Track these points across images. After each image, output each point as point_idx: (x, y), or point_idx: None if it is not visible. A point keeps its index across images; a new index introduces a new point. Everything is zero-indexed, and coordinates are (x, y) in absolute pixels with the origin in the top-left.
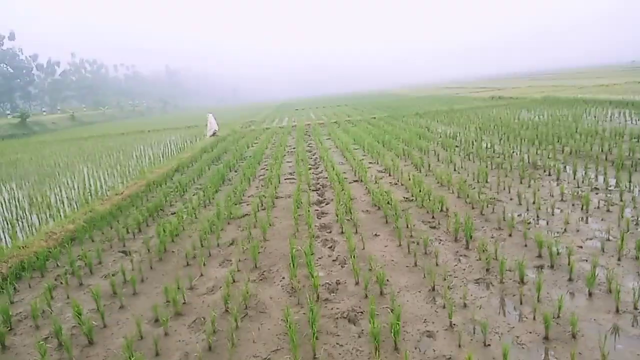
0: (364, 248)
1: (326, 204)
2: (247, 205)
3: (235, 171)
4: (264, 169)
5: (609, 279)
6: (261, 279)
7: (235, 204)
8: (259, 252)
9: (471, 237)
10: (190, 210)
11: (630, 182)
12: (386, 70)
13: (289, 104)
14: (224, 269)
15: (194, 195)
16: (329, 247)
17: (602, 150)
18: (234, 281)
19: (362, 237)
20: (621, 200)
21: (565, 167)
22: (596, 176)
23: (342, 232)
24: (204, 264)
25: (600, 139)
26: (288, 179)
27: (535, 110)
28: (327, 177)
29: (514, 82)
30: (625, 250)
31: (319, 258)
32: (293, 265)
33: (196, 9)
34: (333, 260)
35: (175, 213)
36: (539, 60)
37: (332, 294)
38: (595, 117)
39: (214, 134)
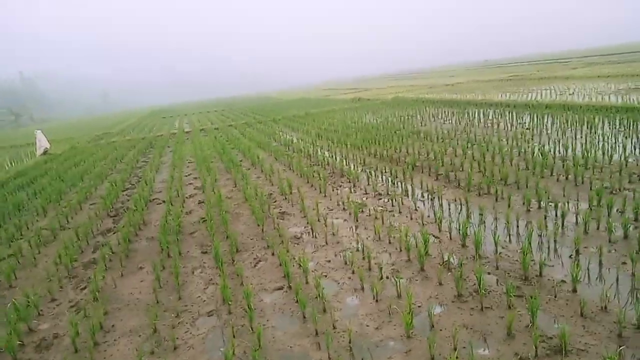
0: (115, 287)
1: (114, 233)
2: (25, 241)
3: (36, 196)
4: (76, 192)
5: (326, 298)
6: None
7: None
8: None
9: (233, 260)
10: None
11: (412, 185)
12: (277, 72)
13: (162, 111)
14: None
15: None
16: (81, 289)
17: (407, 153)
18: None
19: (121, 273)
20: (392, 206)
21: (370, 172)
22: (389, 180)
23: (105, 268)
24: None
25: (412, 141)
26: (94, 203)
27: (379, 112)
28: (139, 200)
29: (382, 82)
30: (362, 262)
31: (58, 304)
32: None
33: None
34: (72, 306)
35: None
36: (421, 59)
37: (42, 352)
38: (422, 117)
39: (44, 152)
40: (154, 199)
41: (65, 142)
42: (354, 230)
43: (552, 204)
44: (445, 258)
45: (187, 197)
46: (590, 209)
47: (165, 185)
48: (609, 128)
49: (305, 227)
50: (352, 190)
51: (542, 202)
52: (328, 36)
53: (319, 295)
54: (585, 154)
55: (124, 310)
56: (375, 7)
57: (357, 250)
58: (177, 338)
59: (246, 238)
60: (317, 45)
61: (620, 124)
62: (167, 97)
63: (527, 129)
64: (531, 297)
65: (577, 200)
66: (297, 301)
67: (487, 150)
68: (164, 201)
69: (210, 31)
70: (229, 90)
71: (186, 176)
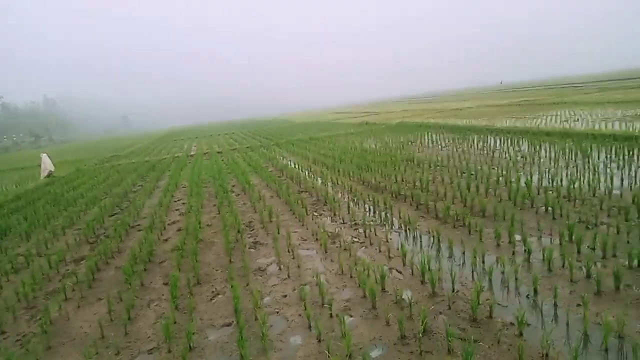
0: (68, 319)
1: (87, 261)
2: None
3: (27, 220)
4: (66, 217)
5: (270, 337)
6: None
7: None
8: None
9: (191, 293)
10: None
11: (391, 215)
12: (296, 96)
13: (176, 134)
14: None
15: None
16: (34, 321)
17: (395, 181)
18: None
19: (78, 305)
20: (365, 237)
21: (354, 201)
22: (371, 209)
23: (65, 299)
24: None
25: (404, 168)
26: (79, 229)
27: (381, 137)
28: (120, 226)
29: (396, 106)
30: (317, 298)
31: (6, 337)
32: None
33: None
34: (17, 340)
35: None
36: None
37: None
38: (421, 143)
39: (48, 175)
40: (136, 225)
41: (75, 164)
42: (320, 263)
43: (521, 239)
44: (400, 296)
45: (168, 224)
46: (561, 245)
47: (152, 211)
48: (605, 157)
49: (273, 259)
50: (332, 220)
51: (513, 237)
52: (350, 62)
53: (262, 334)
54: (571, 185)
55: (67, 346)
56: (397, 31)
57: (317, 284)
58: None
59: (212, 269)
60: (339, 69)
61: (615, 153)
62: (187, 119)
63: (521, 157)
64: (467, 342)
65: (551, 235)
66: (241, 338)
67: (476, 179)
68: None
69: (231, 56)
70: (247, 112)
71: (175, 201)
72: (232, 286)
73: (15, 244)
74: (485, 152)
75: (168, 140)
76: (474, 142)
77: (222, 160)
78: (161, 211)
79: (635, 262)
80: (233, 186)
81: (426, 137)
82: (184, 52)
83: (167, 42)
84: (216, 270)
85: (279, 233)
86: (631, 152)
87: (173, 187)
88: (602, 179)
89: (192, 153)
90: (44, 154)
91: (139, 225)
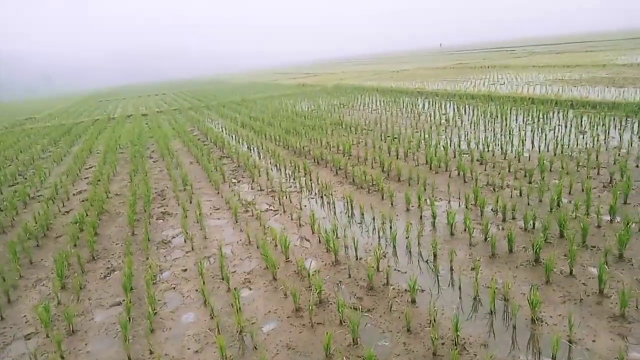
0: None
1: None
2: None
3: None
4: None
5: (161, 315)
6: None
7: None
8: None
9: (83, 271)
10: None
11: (310, 180)
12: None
13: (103, 95)
14: None
15: None
16: None
17: (320, 145)
18: None
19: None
20: (279, 205)
21: (276, 166)
22: (290, 175)
23: None
24: None
25: (331, 131)
26: None
27: (316, 99)
28: (18, 197)
29: (337, 67)
30: (217, 271)
31: None
32: None
33: None
34: None
35: None
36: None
37: None
38: (352, 106)
39: None
40: (37, 196)
41: None
42: (229, 233)
43: (430, 203)
44: (303, 266)
45: (73, 194)
46: (467, 208)
47: (57, 180)
48: (522, 120)
49: (180, 230)
50: (250, 187)
51: (423, 201)
52: (297, 27)
53: (149, 312)
54: (485, 148)
55: None
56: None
57: (222, 256)
58: None
59: (112, 243)
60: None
61: (531, 116)
62: (121, 78)
63: (445, 120)
64: (358, 312)
65: (459, 198)
66: (129, 320)
67: (398, 142)
68: (47, 199)
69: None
70: (185, 72)
71: (86, 169)
72: (131, 262)
73: None
74: (413, 115)
75: (92, 102)
76: (403, 105)
77: (146, 123)
78: (67, 180)
79: (531, 224)
80: (152, 152)
81: (359, 100)
82: None
83: None
84: (116, 244)
85: (190, 202)
86: (545, 115)
87: (86, 152)
88: (515, 142)
89: (114, 116)
90: None
91: (40, 196)
